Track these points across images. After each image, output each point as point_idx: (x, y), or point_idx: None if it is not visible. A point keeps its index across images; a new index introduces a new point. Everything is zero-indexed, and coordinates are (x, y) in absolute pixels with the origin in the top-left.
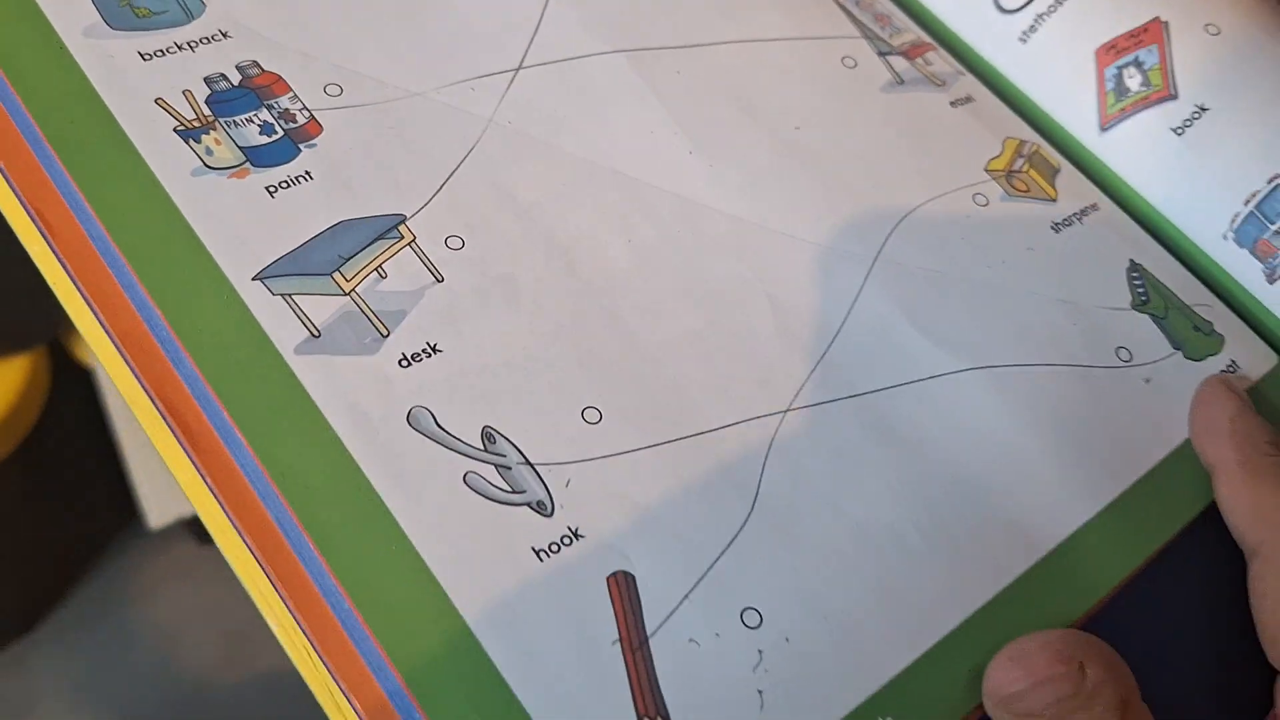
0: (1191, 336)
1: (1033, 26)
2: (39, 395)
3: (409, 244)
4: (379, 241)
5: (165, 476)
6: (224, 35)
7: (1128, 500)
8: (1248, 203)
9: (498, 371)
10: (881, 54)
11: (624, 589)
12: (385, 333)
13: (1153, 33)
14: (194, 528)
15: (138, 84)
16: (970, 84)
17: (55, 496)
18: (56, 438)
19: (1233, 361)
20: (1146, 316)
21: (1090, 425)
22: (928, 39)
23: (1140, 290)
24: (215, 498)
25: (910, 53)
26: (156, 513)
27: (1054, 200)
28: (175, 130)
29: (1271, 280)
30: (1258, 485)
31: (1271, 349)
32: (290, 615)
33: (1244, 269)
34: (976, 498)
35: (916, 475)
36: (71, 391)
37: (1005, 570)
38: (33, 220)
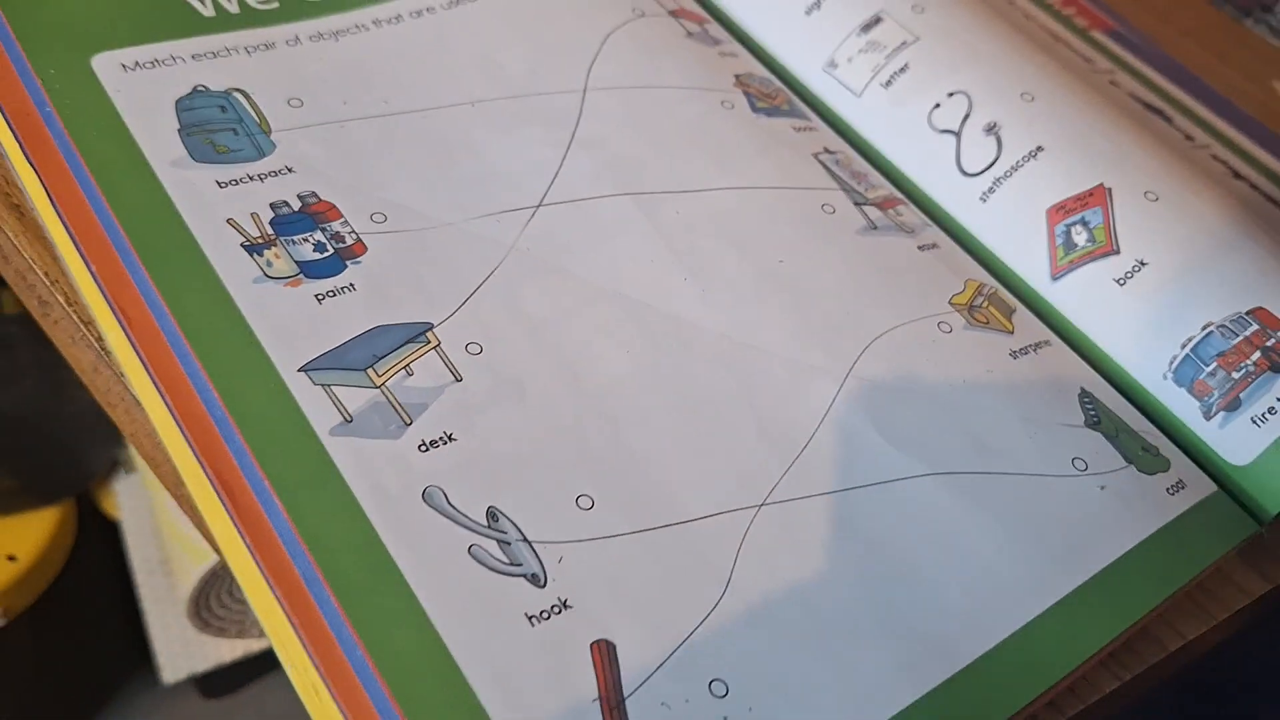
0: (1141, 455)
1: (991, 188)
2: (65, 546)
3: (434, 348)
4: (409, 344)
5: (181, 632)
6: (289, 170)
7: (1081, 596)
8: (1184, 346)
9: (504, 460)
10: (857, 204)
11: (605, 655)
12: (408, 421)
13: (1098, 197)
14: (203, 684)
15: (213, 206)
16: (936, 233)
17: (72, 645)
18: (79, 588)
19: (1180, 480)
20: (1099, 434)
21: (1044, 525)
22: (899, 195)
23: (1092, 413)
24: (251, 554)
25: (883, 205)
26: (170, 668)
27: (1011, 332)
28: (242, 245)
29: (1208, 417)
30: None
31: (1209, 478)
32: (306, 656)
33: (1183, 406)
34: (932, 589)
35: (876, 567)
36: (96, 544)
37: (958, 656)
38: (114, 314)
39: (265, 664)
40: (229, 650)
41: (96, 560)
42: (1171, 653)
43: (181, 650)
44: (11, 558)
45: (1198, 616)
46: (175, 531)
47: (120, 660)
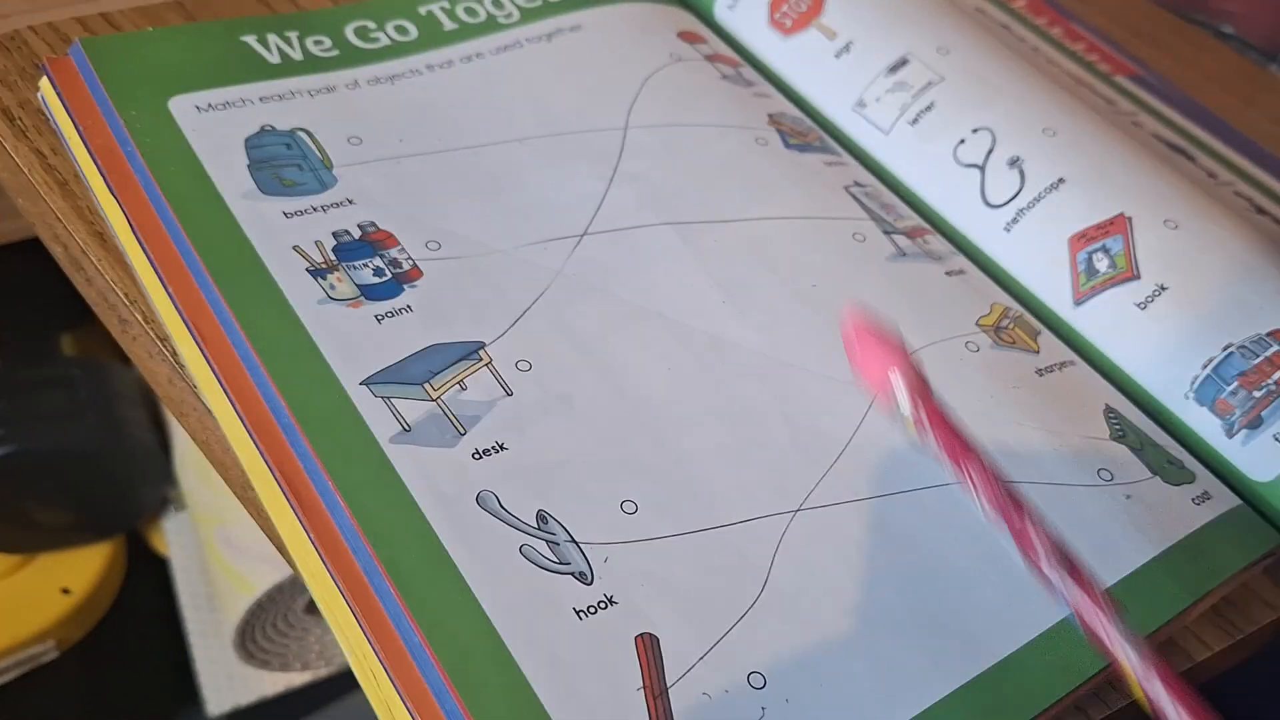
0: (1167, 468)
1: (1015, 219)
2: (116, 581)
3: (486, 365)
4: (462, 361)
5: (226, 666)
6: (350, 202)
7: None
8: (1205, 366)
9: (553, 467)
10: (886, 232)
11: (649, 648)
12: (463, 431)
13: (1118, 225)
14: (246, 718)
15: (280, 235)
16: (962, 261)
17: (122, 677)
18: (129, 622)
19: (1205, 491)
20: (1125, 447)
21: (1072, 531)
22: (926, 225)
23: (1118, 427)
24: (315, 548)
25: (912, 233)
26: (215, 701)
27: (1037, 352)
28: (307, 270)
29: (1230, 435)
30: None
31: (1234, 494)
32: (367, 643)
33: (1206, 425)
34: (963, 589)
35: (908, 567)
36: (145, 579)
37: (987, 653)
38: (189, 330)
39: (305, 700)
40: (271, 684)
41: (146, 595)
42: (1197, 664)
43: (226, 683)
44: (66, 591)
45: (1224, 630)
46: (223, 567)
47: (167, 692)
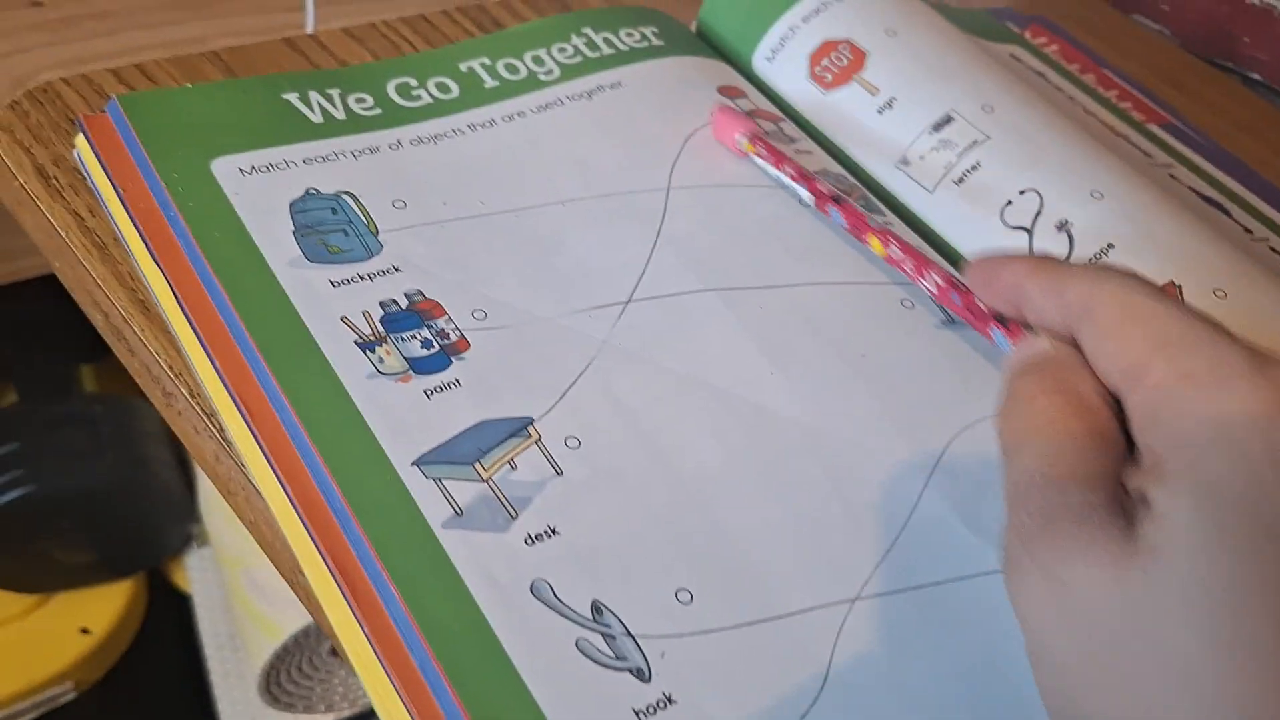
0: None
1: None
2: (136, 619)
3: (535, 442)
4: (511, 439)
5: (248, 708)
6: (396, 269)
7: None
8: None
9: (605, 552)
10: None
11: None
12: (514, 515)
13: (1168, 293)
14: None
15: (328, 305)
16: None
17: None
18: (149, 661)
19: None
20: None
21: None
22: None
23: None
24: (369, 641)
25: None
26: None
27: None
28: (355, 342)
29: None
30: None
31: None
32: None
33: None
34: (1022, 683)
35: (967, 661)
36: (167, 617)
37: None
38: (236, 406)
39: None
40: None
41: (167, 633)
42: None
43: None
44: (85, 630)
45: None
46: (247, 607)
47: None
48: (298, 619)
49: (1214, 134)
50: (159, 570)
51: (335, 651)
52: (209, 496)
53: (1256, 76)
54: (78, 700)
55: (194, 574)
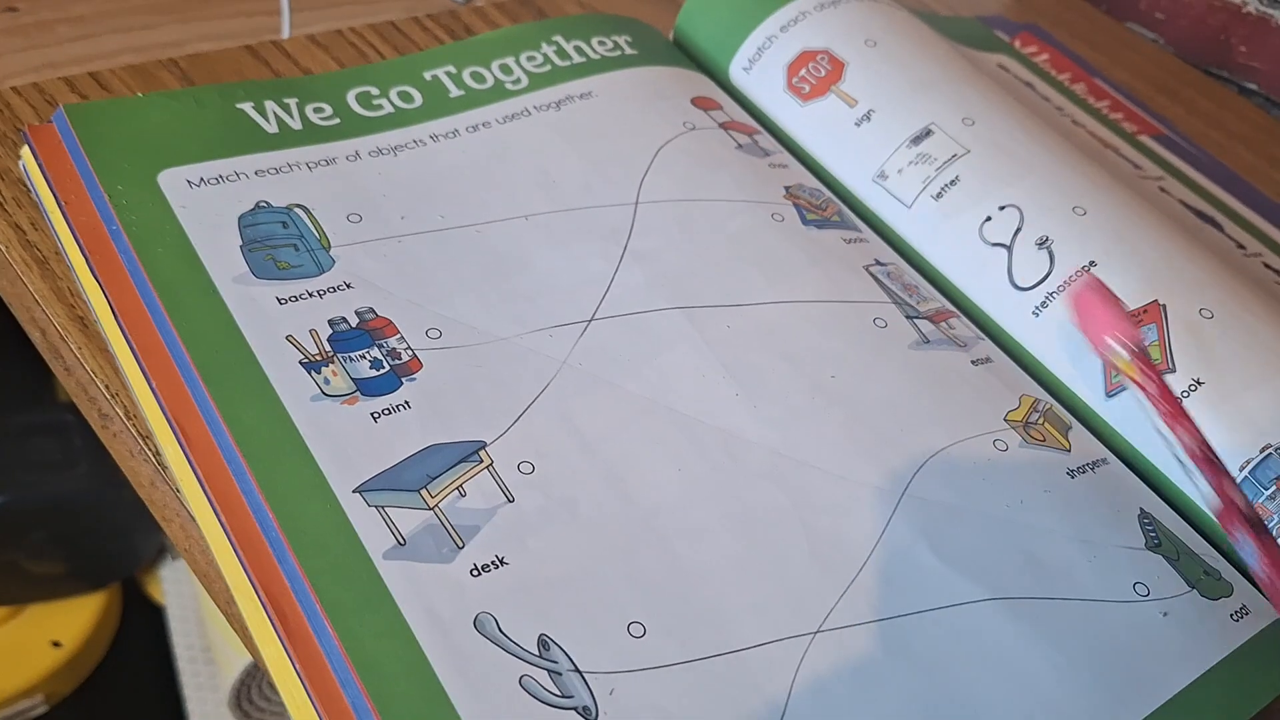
0: (1204, 579)
1: (1044, 302)
2: (109, 632)
3: (487, 467)
4: (462, 464)
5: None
6: (348, 286)
7: None
8: (1243, 469)
9: (555, 584)
10: (909, 317)
11: None
12: (460, 544)
13: (1152, 314)
14: None
15: (274, 323)
16: (989, 347)
17: None
18: (122, 674)
19: (1244, 605)
20: (1160, 557)
21: (1106, 654)
22: (951, 308)
23: (1153, 534)
24: (299, 679)
25: (935, 318)
26: None
27: (1068, 450)
28: (300, 362)
29: None
30: None
31: (1271, 604)
32: None
33: None
34: (989, 713)
35: (934, 698)
36: (140, 628)
37: None
38: (172, 430)
39: None
40: None
41: (140, 645)
42: None
43: None
44: (56, 644)
45: None
46: (219, 619)
47: None
48: None
49: (1208, 145)
50: (133, 582)
51: None
52: None
53: (1252, 86)
54: (49, 714)
55: (168, 585)
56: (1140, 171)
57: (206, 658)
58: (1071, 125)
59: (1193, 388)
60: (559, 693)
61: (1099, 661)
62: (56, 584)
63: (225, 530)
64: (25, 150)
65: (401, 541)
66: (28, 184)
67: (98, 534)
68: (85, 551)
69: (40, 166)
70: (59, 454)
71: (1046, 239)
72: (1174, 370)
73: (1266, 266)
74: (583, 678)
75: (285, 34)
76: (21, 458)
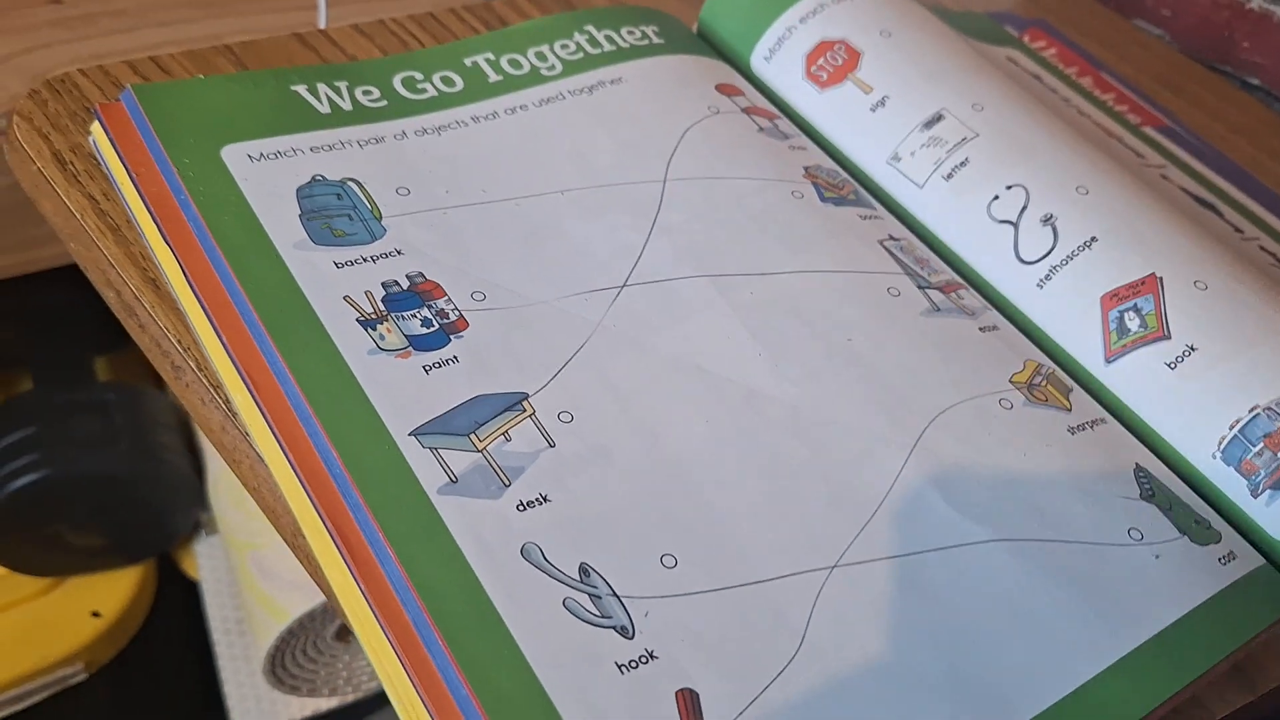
0: (1194, 527)
1: (1048, 276)
2: (146, 604)
3: (529, 416)
4: (506, 413)
5: (254, 690)
6: (398, 253)
7: (1136, 658)
8: (1232, 427)
9: (594, 520)
10: (921, 287)
11: (689, 703)
12: (507, 483)
13: (1149, 285)
14: None
15: (332, 285)
16: (996, 316)
17: (150, 700)
18: (158, 645)
19: (1231, 551)
20: (1153, 507)
21: (1102, 591)
22: (960, 280)
23: (1147, 486)
24: (366, 599)
25: (945, 289)
26: None
27: (1069, 410)
28: (357, 320)
29: (1255, 494)
30: None
31: (1258, 553)
32: (415, 693)
33: (1231, 484)
34: (994, 648)
35: (941, 626)
36: (175, 603)
37: (1017, 713)
38: (242, 378)
39: None
40: (299, 708)
41: (176, 618)
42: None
43: (254, 707)
44: (96, 614)
45: (1245, 688)
46: (253, 590)
47: (195, 715)
48: (303, 602)
49: (1210, 137)
50: (169, 557)
51: (340, 635)
52: (218, 482)
53: (1255, 81)
54: (89, 680)
55: (203, 560)
56: (1143, 160)
57: (240, 629)
58: (1077, 115)
59: (1186, 353)
60: (599, 613)
61: (1095, 597)
62: (96, 557)
63: (293, 468)
64: (95, 126)
65: (454, 479)
66: (98, 158)
67: (136, 509)
68: (124, 526)
69: (111, 141)
70: (100, 431)
71: (1051, 216)
72: (1169, 337)
73: (1263, 250)
74: (620, 601)
75: (322, 24)
76: (65, 434)
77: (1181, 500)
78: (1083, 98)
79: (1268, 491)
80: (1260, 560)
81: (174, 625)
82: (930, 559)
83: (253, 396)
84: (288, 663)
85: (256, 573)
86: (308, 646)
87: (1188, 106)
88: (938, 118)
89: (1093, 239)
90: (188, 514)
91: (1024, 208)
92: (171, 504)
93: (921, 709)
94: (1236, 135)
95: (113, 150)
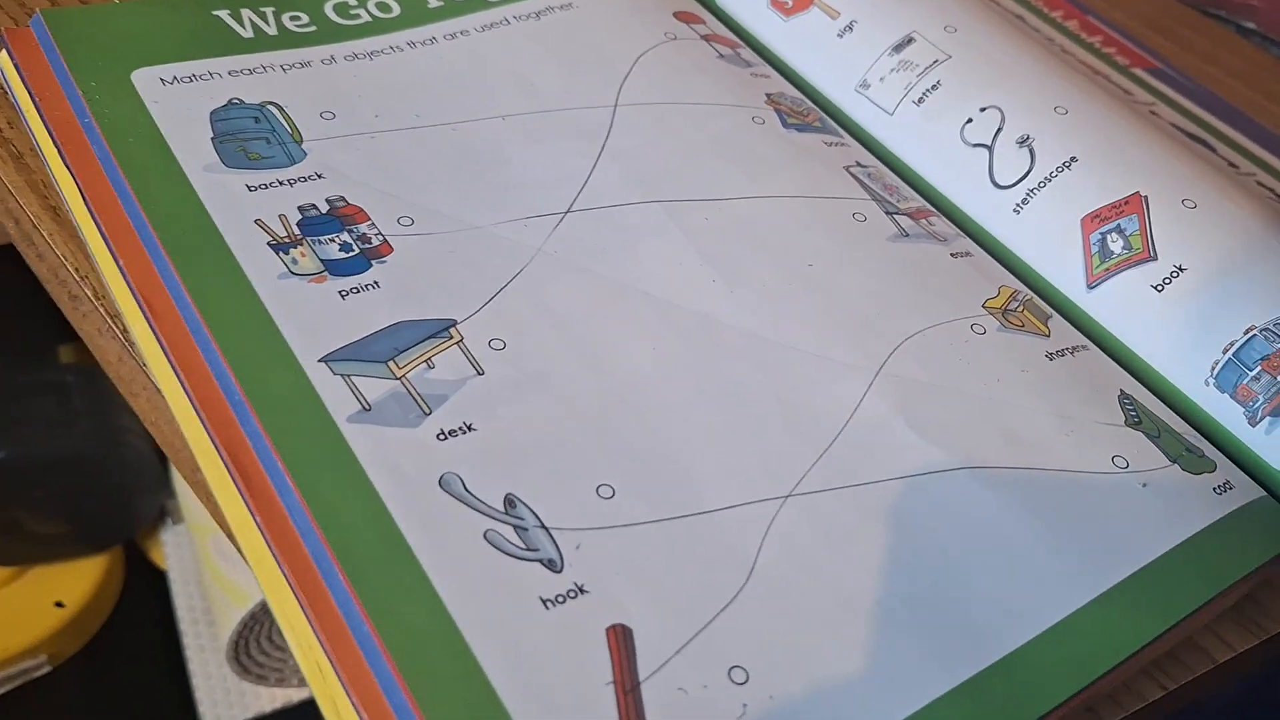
0: (1185, 455)
1: (1025, 200)
2: (112, 594)
3: (457, 343)
4: (431, 339)
5: (223, 681)
6: (319, 176)
7: (1122, 591)
8: (1226, 351)
9: (525, 449)
10: (889, 213)
11: (621, 639)
12: (427, 411)
13: (1133, 204)
14: None
15: (242, 208)
16: (968, 243)
17: (117, 692)
18: (125, 636)
19: (1227, 481)
20: (1140, 434)
21: (1083, 520)
22: (931, 207)
23: (1132, 413)
24: (260, 531)
25: (915, 215)
26: (211, 716)
27: (1047, 335)
28: (268, 244)
29: (1253, 423)
30: None
31: (1256, 484)
32: (312, 632)
33: (1226, 412)
34: (965, 580)
35: (906, 557)
36: (142, 592)
37: (992, 648)
38: (139, 304)
39: (302, 717)
40: (269, 700)
41: (142, 609)
42: (1219, 665)
43: (223, 699)
44: (59, 604)
45: (1248, 630)
46: (217, 577)
47: (163, 708)
48: None
49: (1204, 81)
50: (137, 547)
51: None
52: None
53: (1250, 25)
54: (53, 673)
55: (170, 550)
56: (1131, 97)
57: (208, 619)
58: (1060, 52)
59: (1175, 274)
60: (524, 546)
61: (1076, 527)
62: (59, 545)
63: (189, 396)
64: (2, 54)
65: (366, 407)
66: (5, 86)
67: (98, 493)
68: (86, 511)
69: (17, 68)
70: (59, 412)
71: (1027, 138)
72: (1155, 258)
73: (1260, 185)
74: (549, 533)
75: None
76: (22, 415)
77: (1171, 428)
78: (1068, 38)
79: (1267, 419)
80: (1259, 491)
81: (143, 617)
82: (893, 487)
83: (149, 323)
84: (252, 650)
85: (217, 556)
86: (272, 633)
87: (1180, 51)
88: (908, 40)
89: (1072, 159)
90: (151, 499)
91: (999, 130)
92: (134, 488)
93: (884, 642)
94: (1232, 79)
95: (18, 76)
